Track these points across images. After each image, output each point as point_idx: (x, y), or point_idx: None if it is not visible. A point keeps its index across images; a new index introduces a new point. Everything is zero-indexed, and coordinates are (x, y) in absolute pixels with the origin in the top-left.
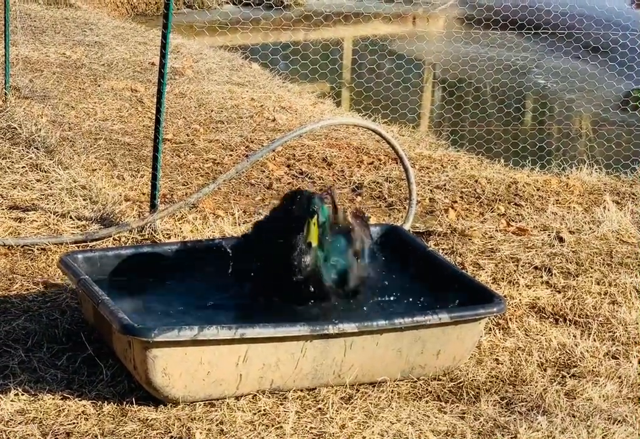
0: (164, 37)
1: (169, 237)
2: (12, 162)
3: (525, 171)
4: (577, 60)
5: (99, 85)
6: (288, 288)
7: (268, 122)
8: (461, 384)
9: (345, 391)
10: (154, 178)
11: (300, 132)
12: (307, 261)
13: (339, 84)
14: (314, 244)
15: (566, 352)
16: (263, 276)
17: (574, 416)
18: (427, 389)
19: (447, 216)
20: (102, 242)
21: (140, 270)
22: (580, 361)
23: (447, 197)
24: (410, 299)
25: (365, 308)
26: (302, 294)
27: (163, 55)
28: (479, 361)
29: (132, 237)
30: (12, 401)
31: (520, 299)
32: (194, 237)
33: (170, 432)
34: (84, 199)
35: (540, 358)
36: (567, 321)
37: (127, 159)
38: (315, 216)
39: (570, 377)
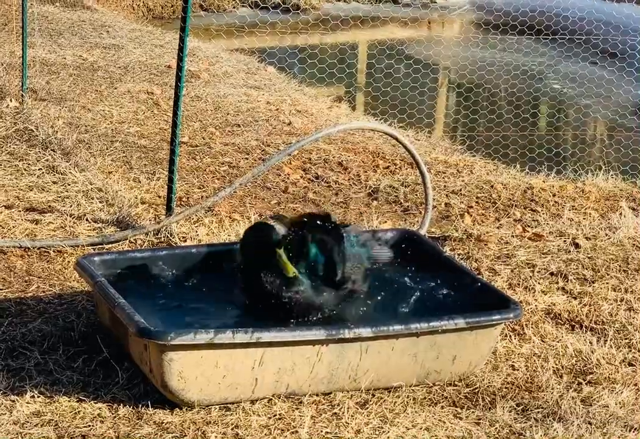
0: (182, 40)
1: (185, 241)
2: (29, 164)
3: (541, 177)
4: (594, 66)
5: (115, 88)
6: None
7: (284, 125)
8: (477, 390)
9: (360, 395)
10: (171, 181)
11: (318, 136)
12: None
13: (355, 88)
14: (294, 274)
15: (582, 358)
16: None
17: (590, 423)
18: (442, 395)
19: (462, 221)
20: (118, 244)
21: (156, 273)
22: (596, 367)
23: (462, 202)
24: (426, 304)
25: (379, 312)
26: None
27: (181, 59)
28: (494, 367)
29: (148, 240)
30: (27, 403)
31: (536, 305)
32: (210, 241)
33: (185, 435)
34: (100, 202)
35: (556, 364)
36: (583, 328)
37: (143, 161)
38: (282, 247)
39: (586, 384)
